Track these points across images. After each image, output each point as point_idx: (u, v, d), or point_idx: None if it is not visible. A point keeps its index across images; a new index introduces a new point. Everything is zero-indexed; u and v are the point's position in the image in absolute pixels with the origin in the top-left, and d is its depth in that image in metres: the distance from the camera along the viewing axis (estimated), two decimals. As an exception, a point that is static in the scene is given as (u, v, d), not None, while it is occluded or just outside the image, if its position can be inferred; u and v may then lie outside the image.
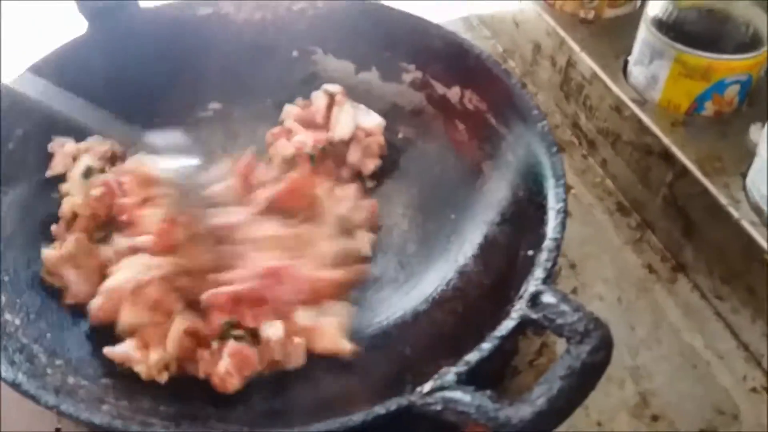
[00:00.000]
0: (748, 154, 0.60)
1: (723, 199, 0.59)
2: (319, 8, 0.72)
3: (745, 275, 0.59)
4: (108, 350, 0.52)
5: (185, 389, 0.52)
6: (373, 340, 0.57)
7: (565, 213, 0.52)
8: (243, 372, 0.52)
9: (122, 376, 0.52)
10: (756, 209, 0.58)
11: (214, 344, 0.53)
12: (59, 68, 0.64)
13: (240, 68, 0.73)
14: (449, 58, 0.68)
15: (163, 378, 0.52)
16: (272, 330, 0.53)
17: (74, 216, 0.61)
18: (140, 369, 0.52)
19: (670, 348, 0.61)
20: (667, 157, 0.64)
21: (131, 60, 0.68)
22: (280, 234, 0.57)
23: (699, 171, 0.61)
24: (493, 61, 0.65)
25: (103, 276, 0.56)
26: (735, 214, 0.58)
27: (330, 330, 0.54)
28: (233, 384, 0.51)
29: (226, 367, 0.51)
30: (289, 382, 0.54)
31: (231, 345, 0.52)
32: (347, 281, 0.57)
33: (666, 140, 0.64)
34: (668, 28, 0.65)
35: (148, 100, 0.68)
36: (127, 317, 0.53)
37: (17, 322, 0.52)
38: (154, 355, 0.52)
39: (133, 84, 0.68)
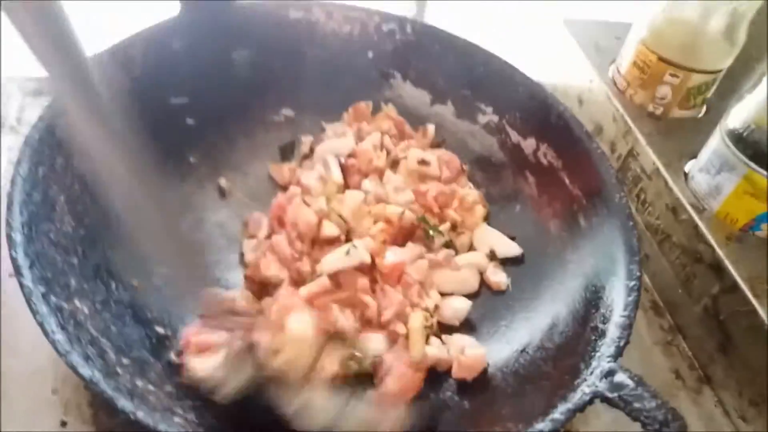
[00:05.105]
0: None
1: (771, 324, 0.57)
2: (408, 34, 0.72)
3: (776, 403, 0.57)
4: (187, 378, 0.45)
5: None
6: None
7: (639, 291, 0.50)
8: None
9: (185, 386, 0.46)
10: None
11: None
12: (144, 48, 0.62)
13: (318, 79, 0.71)
14: (530, 108, 0.66)
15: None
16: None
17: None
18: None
19: (685, 458, 0.58)
20: (718, 269, 0.61)
21: (216, 50, 0.67)
22: None
23: (749, 291, 0.58)
24: (576, 122, 0.63)
25: None
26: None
27: None
28: None
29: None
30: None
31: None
32: None
33: (720, 252, 0.62)
34: (744, 144, 0.62)
35: (223, 94, 0.67)
36: None
37: (86, 310, 0.46)
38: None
39: (214, 75, 0.66)
